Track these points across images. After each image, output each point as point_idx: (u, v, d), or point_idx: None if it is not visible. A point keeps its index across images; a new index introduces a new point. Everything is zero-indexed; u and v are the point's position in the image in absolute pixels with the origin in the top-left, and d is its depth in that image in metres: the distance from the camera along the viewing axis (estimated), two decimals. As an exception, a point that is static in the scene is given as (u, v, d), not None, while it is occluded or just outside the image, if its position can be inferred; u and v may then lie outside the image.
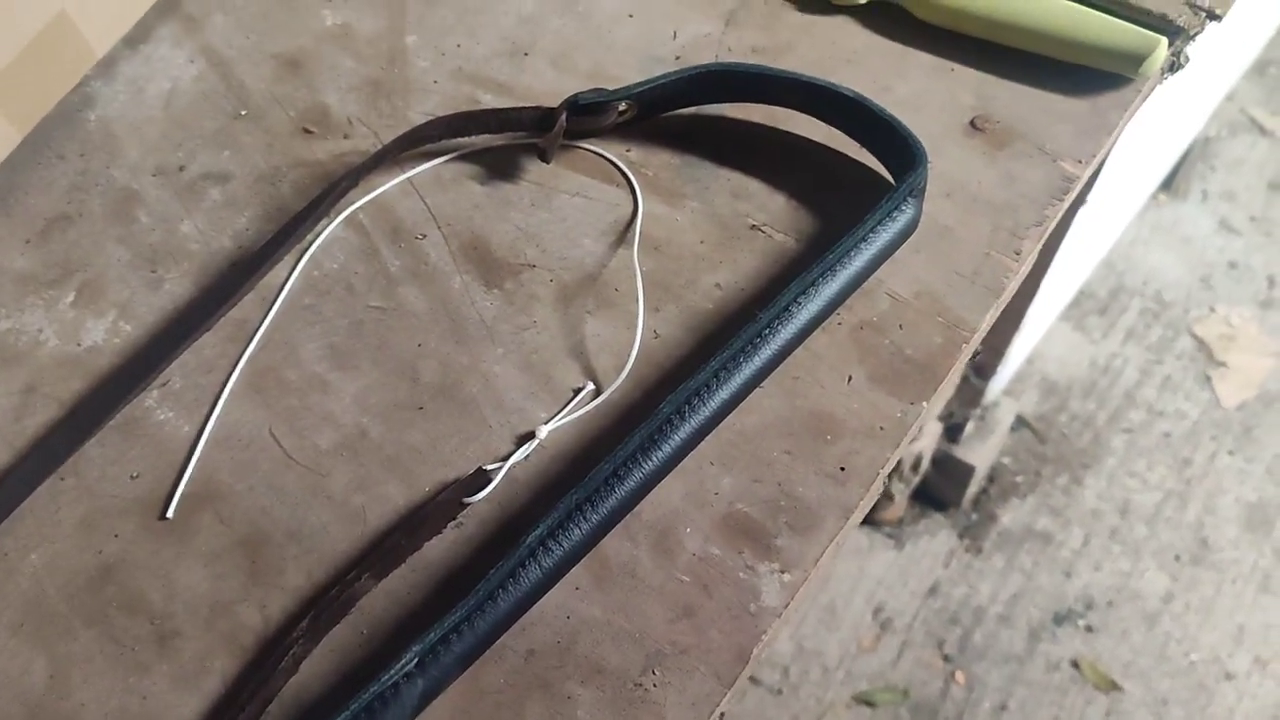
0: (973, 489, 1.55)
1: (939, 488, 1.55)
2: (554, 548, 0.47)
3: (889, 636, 1.50)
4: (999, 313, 0.55)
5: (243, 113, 0.63)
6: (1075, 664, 1.47)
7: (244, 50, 0.66)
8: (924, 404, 0.52)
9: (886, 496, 1.49)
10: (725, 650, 0.47)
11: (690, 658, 0.47)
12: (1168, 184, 1.79)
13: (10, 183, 0.61)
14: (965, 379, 1.37)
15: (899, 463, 1.43)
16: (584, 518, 0.47)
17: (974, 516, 1.57)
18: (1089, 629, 1.49)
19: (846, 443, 0.51)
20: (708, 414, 0.50)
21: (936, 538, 1.56)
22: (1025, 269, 0.56)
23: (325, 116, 0.63)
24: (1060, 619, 1.50)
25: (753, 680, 1.47)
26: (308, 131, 0.62)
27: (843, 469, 0.51)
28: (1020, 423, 1.62)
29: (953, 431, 1.48)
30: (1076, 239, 1.12)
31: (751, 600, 0.48)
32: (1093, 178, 0.93)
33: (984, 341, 1.28)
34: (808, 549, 0.49)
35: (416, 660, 0.44)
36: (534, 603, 0.47)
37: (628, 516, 0.49)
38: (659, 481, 0.50)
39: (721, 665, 0.47)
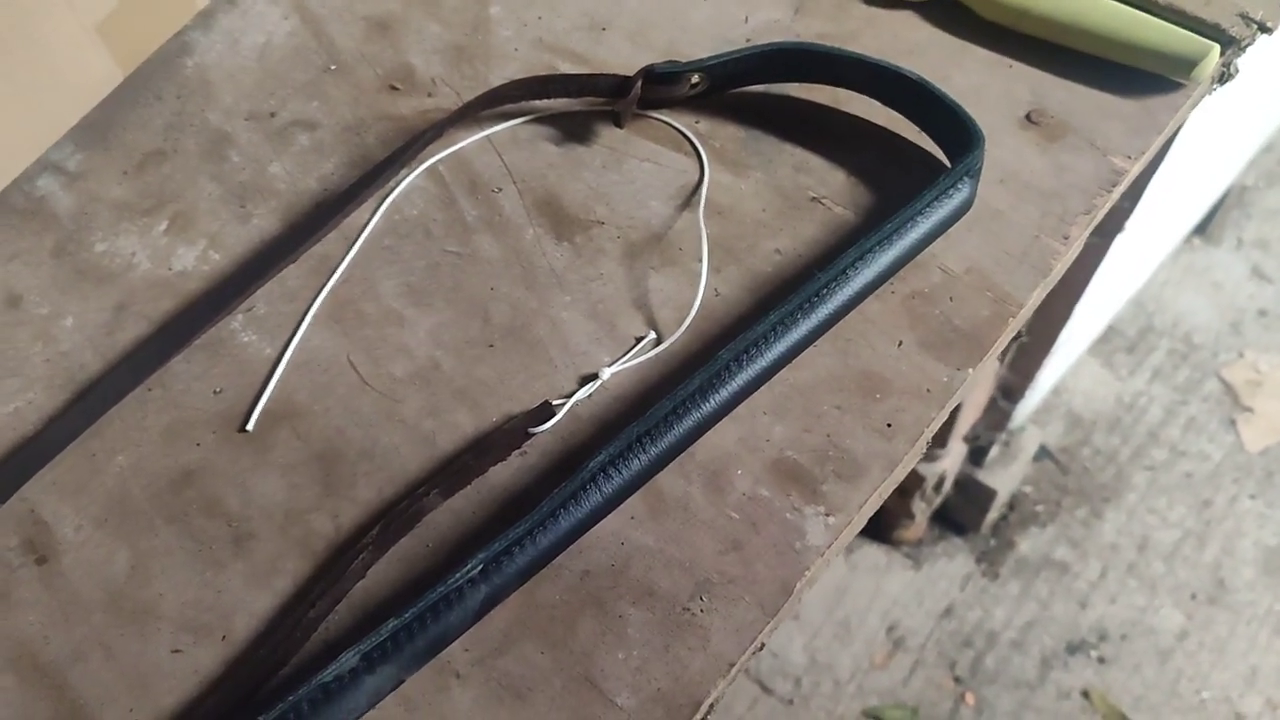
0: (993, 514, 1.56)
1: (960, 510, 1.57)
2: (614, 475, 0.49)
3: (902, 655, 1.51)
4: (1045, 291, 0.58)
5: (332, 67, 0.67)
6: (1086, 694, 1.48)
7: (335, 10, 0.69)
8: (970, 370, 0.54)
9: (907, 515, 1.51)
10: (770, 583, 0.49)
11: (737, 587, 0.49)
12: (1202, 229, 1.81)
13: (110, 118, 0.65)
14: (993, 401, 1.40)
15: (922, 482, 1.45)
16: (643, 449, 0.50)
17: (993, 542, 1.59)
18: (1101, 660, 1.50)
19: (894, 401, 0.54)
20: (764, 364, 0.53)
21: (954, 560, 1.58)
22: (1072, 254, 0.59)
23: (410, 75, 0.66)
24: (1073, 648, 1.51)
25: (764, 689, 1.49)
26: (393, 88, 0.66)
27: (889, 425, 0.53)
28: (1044, 452, 1.64)
29: (977, 455, 1.50)
30: (1110, 271, 1.14)
31: (797, 539, 0.50)
32: (1133, 204, 0.96)
33: (1014, 365, 1.31)
34: (853, 495, 0.51)
35: (481, 567, 0.47)
36: (592, 526, 0.50)
37: (683, 455, 0.52)
38: (714, 424, 0.52)
39: (766, 596, 0.49)
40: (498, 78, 0.66)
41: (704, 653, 0.48)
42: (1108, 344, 1.73)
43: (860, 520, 0.51)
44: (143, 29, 0.66)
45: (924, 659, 1.51)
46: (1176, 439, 1.66)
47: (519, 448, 0.53)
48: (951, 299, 0.57)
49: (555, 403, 0.54)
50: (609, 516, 0.50)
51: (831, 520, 0.51)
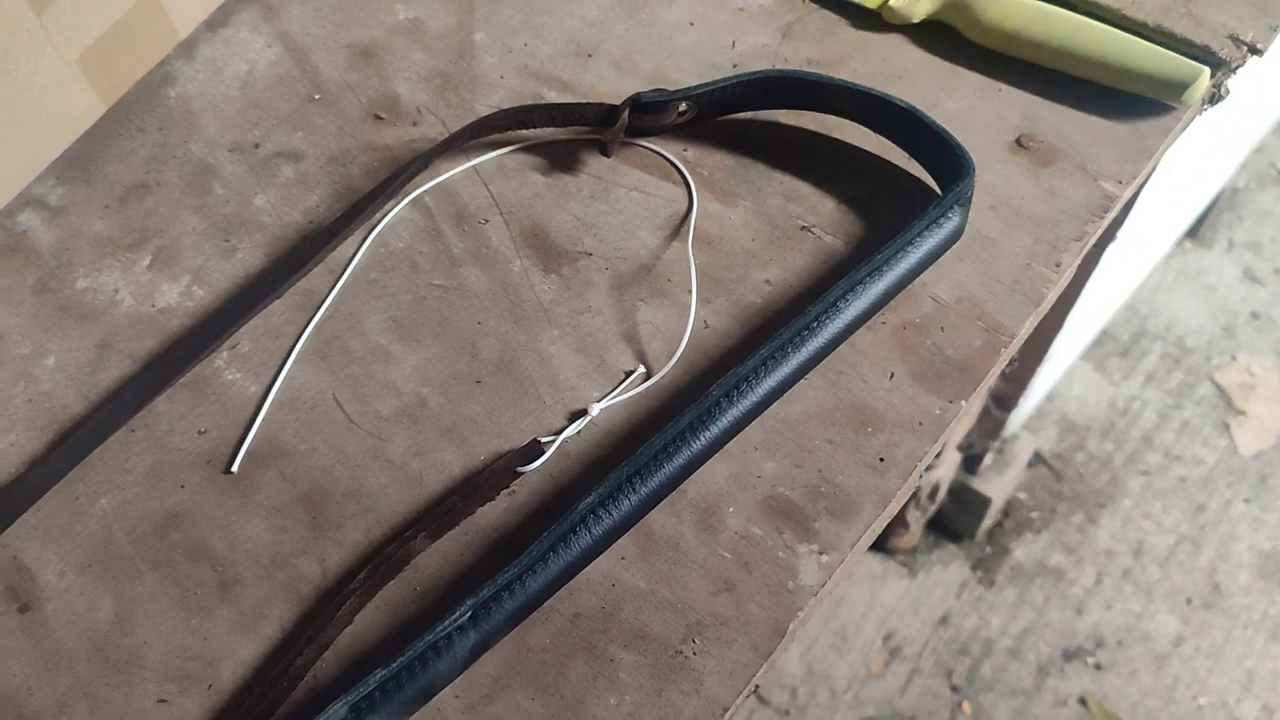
0: (988, 521, 1.56)
1: (954, 518, 1.56)
2: (603, 516, 0.49)
3: (898, 664, 1.51)
4: (1038, 320, 0.57)
5: (316, 97, 0.66)
6: (1083, 701, 1.47)
7: (319, 38, 0.68)
8: (963, 402, 0.54)
9: (902, 524, 1.51)
10: (763, 624, 0.49)
11: (729, 629, 0.49)
12: (1194, 232, 1.81)
13: (92, 151, 0.64)
14: (986, 410, 1.39)
15: (917, 491, 1.45)
16: (633, 489, 0.49)
17: (988, 549, 1.58)
18: (1098, 667, 1.50)
19: (886, 435, 0.53)
20: (755, 399, 0.52)
21: (950, 568, 1.58)
22: (1064, 281, 0.58)
23: (395, 104, 0.65)
24: (1069, 655, 1.51)
25: (761, 700, 1.49)
26: (378, 118, 0.65)
27: (882, 459, 0.53)
28: (1038, 459, 1.64)
29: (971, 463, 1.49)
30: (1103, 278, 1.14)
31: (790, 578, 0.50)
32: (1124, 214, 0.96)
33: (1007, 373, 1.30)
34: (845, 533, 0.51)
35: (470, 613, 0.46)
36: (582, 568, 0.49)
37: (673, 493, 0.51)
38: (705, 461, 0.52)
39: (759, 638, 0.48)
40: (483, 106, 0.65)
41: (697, 696, 0.47)
42: (1101, 348, 1.73)
43: (854, 558, 0.51)
44: (124, 60, 0.65)
45: (920, 668, 1.51)
46: (1170, 443, 1.66)
47: (508, 487, 0.52)
48: (943, 329, 0.56)
49: (544, 440, 0.53)
50: (600, 557, 0.50)
51: (825, 559, 0.50)
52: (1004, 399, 1.38)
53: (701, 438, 0.51)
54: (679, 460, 0.50)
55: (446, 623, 0.46)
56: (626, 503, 0.49)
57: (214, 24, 0.69)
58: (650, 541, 0.51)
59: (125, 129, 0.65)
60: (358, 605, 0.49)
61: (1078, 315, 1.20)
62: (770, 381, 0.52)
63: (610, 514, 0.49)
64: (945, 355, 0.55)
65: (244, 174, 0.63)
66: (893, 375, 0.55)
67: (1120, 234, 1.01)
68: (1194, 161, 1.27)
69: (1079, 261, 0.59)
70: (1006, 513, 1.60)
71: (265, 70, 0.67)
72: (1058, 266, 0.58)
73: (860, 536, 0.51)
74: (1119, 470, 1.64)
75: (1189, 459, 1.65)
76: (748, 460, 0.53)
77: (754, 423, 0.53)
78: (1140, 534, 1.59)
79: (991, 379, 0.55)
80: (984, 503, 1.51)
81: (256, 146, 0.64)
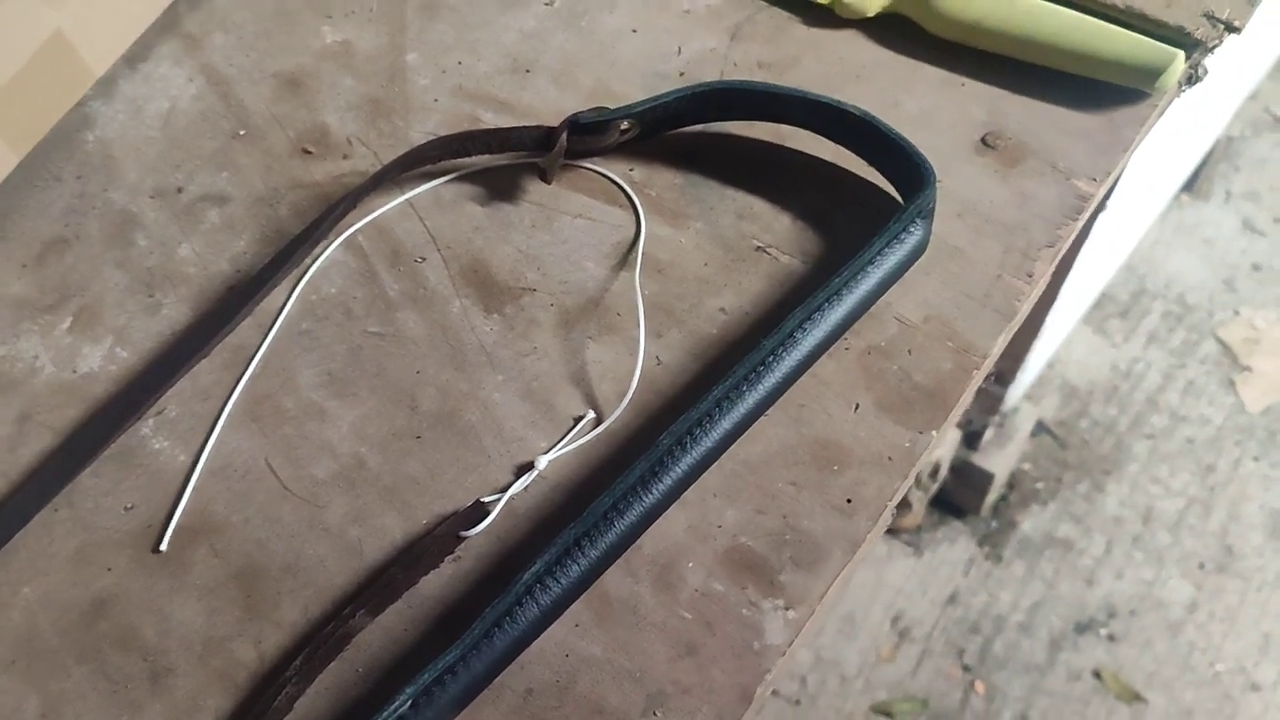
0: (992, 496, 1.53)
1: (958, 495, 1.53)
2: (551, 585, 0.46)
3: (908, 646, 1.49)
4: (1010, 336, 0.54)
5: (241, 132, 0.62)
6: (1097, 674, 1.45)
7: (243, 68, 0.65)
8: (933, 433, 0.50)
9: (904, 504, 1.48)
10: (728, 690, 0.46)
11: (692, 698, 0.45)
12: (1190, 185, 1.76)
13: (6, 206, 0.61)
14: (983, 387, 1.36)
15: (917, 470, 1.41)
16: (582, 553, 0.46)
17: (994, 524, 1.55)
18: (1111, 638, 1.47)
19: (853, 473, 0.50)
20: (710, 445, 0.49)
21: (956, 545, 1.55)
22: (1038, 292, 0.55)
23: (325, 136, 0.62)
24: (1082, 628, 1.48)
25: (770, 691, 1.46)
26: (307, 152, 0.61)
27: (849, 501, 0.49)
28: (1041, 428, 1.60)
29: (971, 439, 1.46)
30: (1097, 242, 1.10)
31: (755, 638, 0.47)
32: (1112, 186, 0.91)
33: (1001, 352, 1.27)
34: (813, 585, 0.47)
35: (410, 702, 0.43)
36: (532, 641, 0.46)
37: (629, 551, 0.48)
38: (660, 515, 0.49)
39: (724, 706, 0.45)
40: (417, 133, 0.61)
41: (659, 774, 0.44)
42: (1100, 311, 1.69)
43: (823, 611, 0.48)
44: (36, 105, 0.61)
45: (931, 649, 1.48)
46: (1175, 404, 1.63)
47: (452, 553, 0.49)
48: (910, 352, 0.53)
49: (488, 500, 0.50)
50: (551, 626, 0.47)
51: (791, 614, 0.47)
52: (1001, 374, 1.34)
53: (654, 490, 0.47)
54: (630, 517, 0.47)
55: (385, 713, 0.43)
56: (575, 568, 0.46)
57: (133, 59, 0.66)
58: (605, 605, 0.48)
59: (41, 179, 0.61)
60: (295, 693, 0.46)
61: (1074, 281, 1.16)
62: (725, 424, 0.49)
63: (559, 582, 0.46)
64: (913, 381, 0.52)
65: (167, 221, 0.60)
66: (858, 407, 0.51)
67: (1110, 202, 0.97)
68: (1188, 115, 1.22)
69: (1051, 269, 0.55)
70: (1011, 485, 1.57)
71: (187, 106, 0.64)
72: (1030, 277, 0.54)
73: (828, 588, 0.47)
74: (1124, 435, 1.61)
75: (1195, 419, 1.62)
76: (707, 509, 0.49)
77: (713, 467, 0.50)
78: (1149, 499, 1.56)
79: (964, 405, 0.52)
80: (987, 478, 1.48)
81: (180, 191, 0.61)
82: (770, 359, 0.50)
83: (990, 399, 1.38)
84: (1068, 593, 1.51)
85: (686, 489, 0.49)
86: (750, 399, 0.49)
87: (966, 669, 1.47)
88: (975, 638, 1.48)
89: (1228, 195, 1.78)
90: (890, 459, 0.50)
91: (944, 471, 1.48)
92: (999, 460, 1.47)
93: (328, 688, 0.47)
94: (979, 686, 1.45)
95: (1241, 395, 1.63)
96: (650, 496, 0.47)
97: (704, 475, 0.50)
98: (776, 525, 0.49)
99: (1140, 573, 1.51)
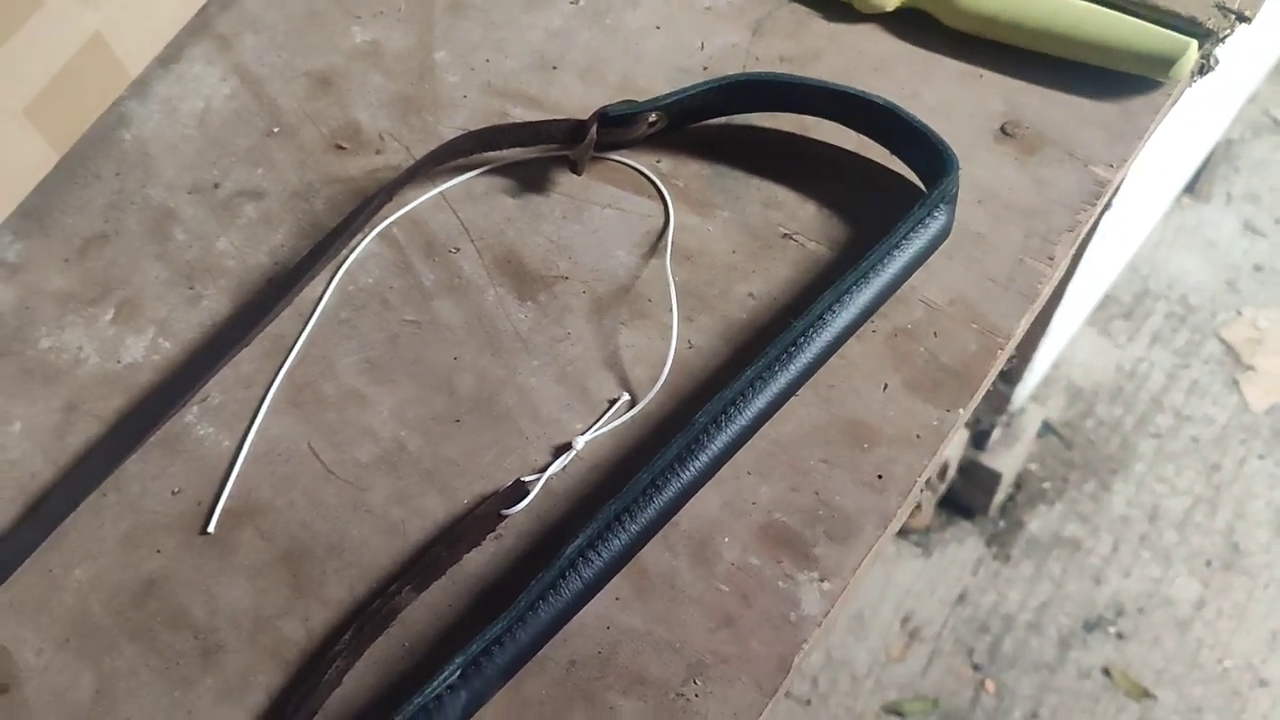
0: (1000, 496, 1.54)
1: (966, 495, 1.54)
2: (593, 558, 0.47)
3: (918, 645, 1.50)
4: (1033, 318, 0.55)
5: (275, 130, 0.64)
6: (1106, 672, 1.46)
7: (275, 68, 0.66)
8: (960, 411, 0.52)
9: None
10: (766, 660, 0.47)
11: (731, 667, 0.47)
12: (1191, 187, 1.78)
13: (47, 203, 0.62)
14: (991, 385, 1.37)
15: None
16: (623, 528, 0.47)
17: (1002, 524, 1.57)
18: (1120, 636, 1.48)
19: (883, 450, 0.51)
20: (744, 423, 0.50)
21: (964, 545, 1.56)
22: (1059, 275, 0.56)
23: (357, 132, 0.63)
24: (1090, 626, 1.49)
25: (782, 690, 1.47)
26: (340, 148, 0.63)
27: (880, 477, 0.51)
28: (1047, 429, 1.62)
29: (979, 439, 1.47)
30: (1102, 243, 1.12)
31: (791, 609, 0.48)
32: (1123, 177, 0.93)
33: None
34: (846, 557, 0.49)
35: (459, 671, 0.44)
36: (575, 613, 0.47)
37: (666, 527, 0.50)
38: (696, 491, 0.50)
39: (763, 675, 0.47)
40: (447, 128, 0.63)
41: (701, 741, 0.45)
42: (1104, 312, 1.70)
43: (856, 583, 0.49)
44: (75, 106, 0.63)
45: (941, 648, 1.49)
46: (1180, 404, 1.64)
47: (493, 531, 0.50)
48: (936, 334, 0.54)
49: (528, 480, 0.51)
50: (593, 600, 0.48)
51: (826, 586, 0.48)
52: (1008, 374, 1.36)
53: (691, 468, 0.49)
54: (669, 493, 0.48)
55: (436, 683, 0.44)
56: (616, 542, 0.47)
57: (166, 60, 0.67)
58: (644, 579, 0.49)
59: (81, 177, 0.63)
60: (345, 667, 0.47)
61: (1080, 282, 1.18)
62: (759, 403, 0.50)
63: (600, 555, 0.47)
64: (940, 362, 0.53)
65: (205, 216, 0.61)
66: (886, 386, 0.53)
67: (1116, 201, 0.99)
68: (1190, 117, 1.24)
69: (1072, 253, 0.56)
70: (1018, 485, 1.58)
71: (222, 105, 0.65)
72: (1051, 260, 0.55)
73: (862, 560, 0.49)
74: (1130, 434, 1.62)
75: (1200, 418, 1.63)
76: (741, 486, 0.51)
77: (746, 445, 0.51)
78: (1155, 498, 1.57)
79: (989, 383, 0.53)
80: (995, 478, 1.49)
81: (216, 186, 0.62)
82: (801, 340, 0.51)
83: (998, 398, 1.40)
84: (1076, 591, 1.52)
85: (721, 466, 0.50)
86: (782, 379, 0.51)
87: (976, 668, 1.48)
88: (985, 637, 1.49)
89: (1228, 197, 1.80)
90: (919, 437, 0.51)
91: (952, 472, 1.49)
92: (1006, 460, 1.48)
93: (376, 660, 0.48)
94: (989, 685, 1.46)
95: (1245, 394, 1.64)
96: (687, 473, 0.49)
97: (738, 454, 0.51)
98: (809, 501, 0.50)
99: (1148, 571, 1.52)
